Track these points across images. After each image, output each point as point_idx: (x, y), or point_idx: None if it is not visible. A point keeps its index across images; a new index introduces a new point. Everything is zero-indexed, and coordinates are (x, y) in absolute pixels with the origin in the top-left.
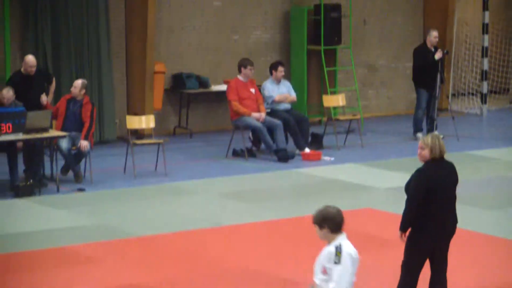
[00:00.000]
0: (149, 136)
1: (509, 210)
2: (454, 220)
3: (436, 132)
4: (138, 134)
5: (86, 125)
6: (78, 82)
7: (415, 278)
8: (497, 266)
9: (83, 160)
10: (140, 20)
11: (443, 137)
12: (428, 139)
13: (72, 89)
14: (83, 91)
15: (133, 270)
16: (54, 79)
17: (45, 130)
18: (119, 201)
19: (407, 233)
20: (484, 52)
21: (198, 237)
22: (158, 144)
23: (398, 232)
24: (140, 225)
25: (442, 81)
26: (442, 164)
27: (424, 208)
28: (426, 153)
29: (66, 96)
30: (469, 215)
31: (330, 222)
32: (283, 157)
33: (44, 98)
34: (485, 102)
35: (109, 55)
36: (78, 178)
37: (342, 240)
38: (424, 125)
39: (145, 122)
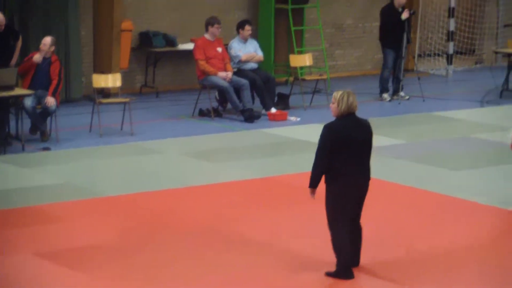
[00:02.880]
0: (116, 95)
1: (474, 171)
2: (366, 176)
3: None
4: (104, 92)
5: (54, 82)
6: (48, 39)
7: (346, 233)
8: (459, 227)
9: (49, 119)
10: None
11: (408, 98)
12: (338, 94)
13: (42, 46)
14: (53, 48)
15: (100, 230)
16: (20, 36)
17: (10, 88)
18: (85, 160)
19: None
20: (451, 12)
21: (165, 197)
22: (124, 103)
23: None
24: (106, 185)
25: (408, 41)
26: (351, 120)
27: (332, 163)
28: (334, 107)
29: (35, 53)
30: (435, 176)
31: None
32: (250, 116)
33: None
34: (451, 63)
35: (76, 12)
36: (44, 136)
37: None
38: (391, 85)
39: (112, 80)
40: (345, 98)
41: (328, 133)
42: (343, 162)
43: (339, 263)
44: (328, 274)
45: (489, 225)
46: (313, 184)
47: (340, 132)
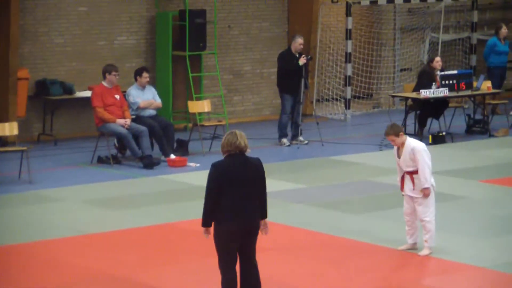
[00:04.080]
0: (13, 143)
1: (372, 214)
2: (255, 215)
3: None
4: (1, 141)
5: None
6: None
7: (233, 272)
8: (360, 270)
9: None
10: (3, 25)
11: (307, 143)
12: (224, 136)
13: None
14: None
15: None
16: None
17: None
18: None
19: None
20: (348, 57)
21: (64, 245)
22: (22, 151)
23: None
24: (3, 234)
25: (306, 86)
26: (238, 159)
27: (220, 201)
28: (222, 148)
29: None
30: (333, 220)
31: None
32: (149, 163)
33: None
34: (349, 107)
35: None
36: None
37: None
38: (290, 130)
39: (8, 129)
40: (228, 137)
41: (214, 171)
42: (230, 200)
43: None
44: None
45: (395, 268)
46: (204, 223)
47: (225, 170)
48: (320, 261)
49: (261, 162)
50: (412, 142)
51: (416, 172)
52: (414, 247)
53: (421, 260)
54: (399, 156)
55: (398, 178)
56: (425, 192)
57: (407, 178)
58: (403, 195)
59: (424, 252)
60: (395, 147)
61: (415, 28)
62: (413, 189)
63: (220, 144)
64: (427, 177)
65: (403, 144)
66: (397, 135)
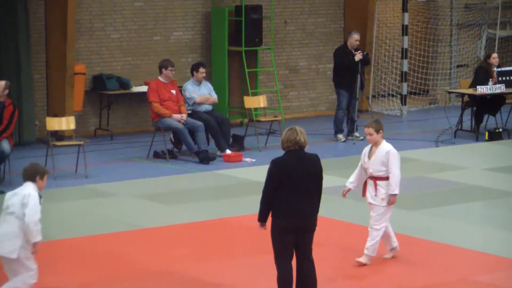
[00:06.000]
0: (70, 138)
1: (427, 210)
2: (311, 211)
3: (353, 132)
4: (58, 135)
5: (2, 126)
6: (2, 83)
7: (289, 267)
8: (418, 266)
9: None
10: (60, 21)
11: (362, 138)
12: (284, 131)
13: None
14: (6, 91)
15: (51, 274)
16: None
17: None
18: None
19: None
20: (404, 53)
21: (118, 240)
22: (78, 145)
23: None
24: (59, 228)
25: (362, 82)
26: (297, 155)
27: (278, 196)
28: (281, 143)
29: None
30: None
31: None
32: (205, 158)
33: None
34: (405, 103)
35: (28, 55)
36: None
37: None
38: (345, 126)
39: (65, 123)
40: (288, 133)
41: (273, 167)
42: (287, 197)
43: None
44: None
45: (449, 264)
46: (261, 218)
47: (284, 167)
48: (375, 256)
49: (319, 158)
50: (387, 146)
51: (382, 178)
52: (396, 250)
53: (474, 256)
54: (369, 157)
55: (352, 179)
56: (392, 200)
57: (370, 184)
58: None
59: (362, 260)
60: (366, 149)
61: (472, 24)
62: (375, 195)
63: (280, 140)
64: (398, 183)
65: (377, 144)
66: (378, 131)
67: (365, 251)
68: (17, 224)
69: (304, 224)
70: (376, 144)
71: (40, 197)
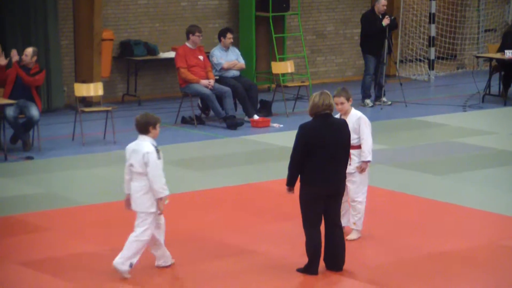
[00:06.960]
0: (98, 103)
1: (455, 175)
2: (340, 178)
3: (371, 101)
4: (86, 101)
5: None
6: (29, 50)
7: (318, 234)
8: (446, 231)
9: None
10: None
11: (390, 103)
12: (313, 95)
13: (23, 57)
14: (35, 58)
15: (82, 239)
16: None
17: None
18: (68, 169)
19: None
20: (431, 18)
21: None
22: (107, 111)
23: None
24: (88, 194)
25: (389, 47)
26: (325, 120)
27: (307, 162)
28: (309, 108)
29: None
30: (418, 181)
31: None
32: (232, 124)
33: (14, 53)
34: (433, 68)
35: (56, 22)
36: (26, 146)
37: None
38: (373, 91)
39: (93, 89)
40: (316, 99)
41: (302, 132)
42: (316, 162)
43: (308, 259)
44: (298, 270)
45: (477, 229)
46: (289, 183)
47: (312, 131)
48: (401, 222)
49: (347, 124)
50: (358, 112)
51: (354, 147)
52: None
53: (502, 220)
54: None
55: None
56: (364, 166)
57: None
58: None
59: (352, 236)
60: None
61: None
62: (349, 165)
63: (312, 105)
64: (370, 150)
65: (346, 113)
66: (348, 99)
67: (354, 227)
68: (145, 181)
69: (334, 191)
70: (346, 113)
71: (158, 151)
